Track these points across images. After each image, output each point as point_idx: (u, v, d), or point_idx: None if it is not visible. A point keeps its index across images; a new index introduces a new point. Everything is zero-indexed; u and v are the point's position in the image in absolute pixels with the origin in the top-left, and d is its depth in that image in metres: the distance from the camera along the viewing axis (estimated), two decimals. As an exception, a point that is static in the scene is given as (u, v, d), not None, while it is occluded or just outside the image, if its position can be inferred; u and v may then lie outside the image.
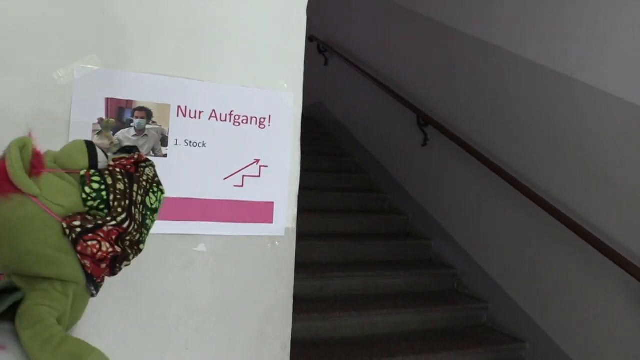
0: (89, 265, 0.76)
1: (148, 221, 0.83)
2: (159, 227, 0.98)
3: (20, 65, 1.04)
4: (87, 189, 0.76)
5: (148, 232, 0.84)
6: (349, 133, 5.28)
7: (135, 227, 0.79)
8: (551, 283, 3.11)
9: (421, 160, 4.28)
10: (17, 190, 0.72)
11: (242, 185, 1.24)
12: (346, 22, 5.60)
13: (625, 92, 2.78)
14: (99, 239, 0.75)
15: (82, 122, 1.09)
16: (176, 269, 1.19)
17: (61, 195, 0.75)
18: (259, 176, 1.26)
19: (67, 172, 0.77)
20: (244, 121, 1.24)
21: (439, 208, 4.08)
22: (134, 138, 1.13)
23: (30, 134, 0.76)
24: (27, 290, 0.74)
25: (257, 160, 1.26)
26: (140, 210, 0.81)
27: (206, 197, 1.21)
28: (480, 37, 3.74)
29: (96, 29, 1.10)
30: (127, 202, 0.78)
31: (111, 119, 1.11)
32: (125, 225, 0.77)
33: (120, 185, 0.78)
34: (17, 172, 0.71)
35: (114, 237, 0.76)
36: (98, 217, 0.77)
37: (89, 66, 1.09)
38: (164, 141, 1.16)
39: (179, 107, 1.17)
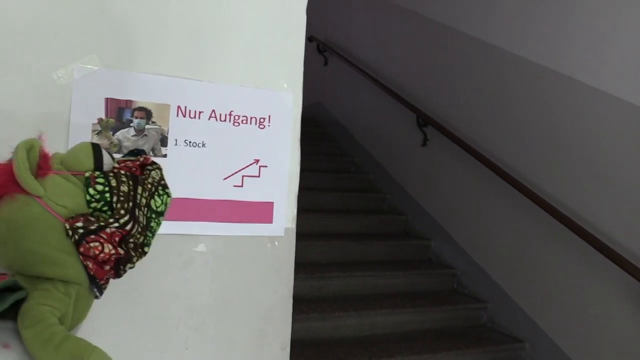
0: (91, 267, 0.76)
1: (153, 224, 0.83)
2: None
3: (20, 65, 1.04)
4: (91, 191, 0.77)
5: (153, 235, 0.84)
6: (348, 133, 5.28)
7: (139, 229, 0.79)
8: (551, 283, 3.11)
9: (421, 160, 4.28)
10: (23, 190, 0.73)
11: (241, 186, 1.24)
12: (346, 23, 5.60)
13: (625, 92, 2.78)
14: (102, 240, 0.75)
15: (82, 122, 1.09)
16: (176, 269, 1.19)
17: (65, 196, 0.75)
18: (258, 176, 1.26)
19: (72, 174, 0.78)
20: (244, 121, 1.24)
21: (438, 208, 4.08)
22: (133, 138, 1.13)
23: (40, 136, 0.77)
24: (29, 290, 0.74)
25: (257, 161, 1.26)
26: (145, 212, 0.81)
27: (206, 197, 1.21)
28: (480, 38, 3.74)
29: (96, 29, 1.10)
30: (131, 204, 0.78)
31: (111, 119, 1.11)
32: (128, 228, 0.77)
33: (124, 188, 0.78)
34: (23, 174, 0.72)
35: (117, 239, 0.76)
36: (101, 218, 0.77)
37: (89, 66, 1.09)
38: (163, 141, 1.16)
39: (178, 107, 1.17)
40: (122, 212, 0.77)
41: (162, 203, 0.85)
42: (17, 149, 0.73)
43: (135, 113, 1.13)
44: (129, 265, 0.80)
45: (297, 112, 1.32)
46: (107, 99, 1.11)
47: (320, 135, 5.43)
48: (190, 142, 1.19)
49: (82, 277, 0.77)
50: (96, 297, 0.82)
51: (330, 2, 5.67)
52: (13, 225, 0.73)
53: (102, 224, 0.76)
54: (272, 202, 1.28)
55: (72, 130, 1.08)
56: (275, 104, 1.28)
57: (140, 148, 1.00)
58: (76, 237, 0.74)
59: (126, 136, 1.13)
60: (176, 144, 1.18)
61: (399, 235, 4.28)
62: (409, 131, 4.31)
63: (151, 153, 1.15)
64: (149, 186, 0.83)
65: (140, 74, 1.14)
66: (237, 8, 1.24)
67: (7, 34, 1.03)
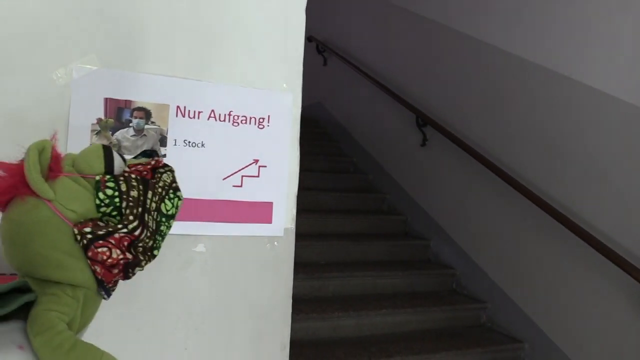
0: (99, 271, 0.76)
1: (163, 227, 0.83)
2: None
3: (20, 65, 1.04)
4: (101, 195, 0.76)
5: (163, 238, 0.84)
6: (347, 133, 5.28)
7: (148, 234, 0.79)
8: (550, 283, 3.11)
9: (420, 160, 4.28)
10: (33, 193, 0.73)
11: (241, 186, 1.24)
12: (345, 23, 5.60)
13: (622, 92, 2.78)
14: (110, 245, 0.75)
15: (81, 122, 1.08)
16: (175, 269, 1.19)
17: (75, 200, 0.75)
18: (258, 176, 1.26)
19: (83, 177, 0.77)
20: (243, 121, 1.24)
21: (437, 208, 4.08)
22: (132, 138, 1.13)
23: (53, 137, 0.77)
24: (38, 294, 0.74)
25: (256, 161, 1.26)
26: (154, 217, 0.81)
27: (205, 198, 1.21)
28: (479, 38, 3.74)
29: (95, 29, 1.10)
30: (140, 209, 0.78)
31: (110, 119, 1.11)
32: (136, 233, 0.77)
33: (134, 193, 0.78)
34: (34, 176, 0.72)
35: (125, 243, 0.76)
36: (110, 223, 0.77)
37: (88, 66, 1.09)
38: (162, 141, 1.16)
39: (177, 107, 1.17)
40: (131, 218, 0.77)
41: (173, 206, 0.84)
42: (28, 150, 0.73)
43: (135, 113, 1.13)
44: (137, 268, 0.80)
45: (296, 112, 1.32)
46: (106, 99, 1.11)
47: (319, 136, 5.43)
48: (189, 142, 1.19)
49: (90, 281, 0.77)
50: (104, 298, 0.82)
51: (330, 2, 5.67)
52: (22, 228, 0.73)
53: (111, 229, 0.76)
54: (272, 202, 1.28)
55: (72, 130, 1.08)
56: (275, 104, 1.28)
57: (151, 149, 0.99)
58: (84, 241, 0.74)
59: (125, 136, 1.13)
60: (175, 144, 1.18)
61: (398, 236, 4.28)
62: (408, 131, 4.32)
63: (150, 153, 1.15)
64: (160, 190, 0.82)
65: (139, 74, 1.14)
66: (237, 8, 1.24)
67: (6, 34, 1.03)
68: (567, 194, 3.04)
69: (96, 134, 1.10)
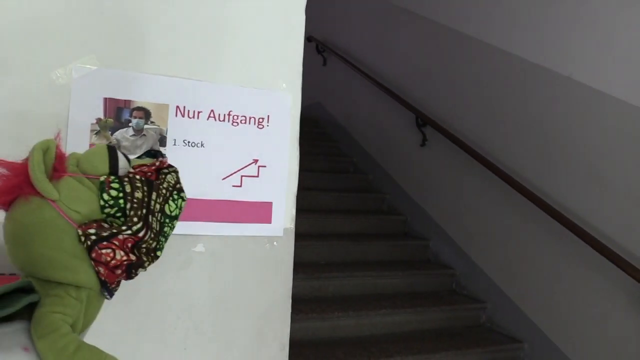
0: (103, 272, 0.76)
1: (166, 228, 0.83)
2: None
3: (19, 65, 1.04)
4: (105, 196, 0.76)
5: (166, 239, 0.83)
6: (347, 133, 5.28)
7: (152, 235, 0.79)
8: (550, 283, 3.11)
9: (420, 160, 4.28)
10: (37, 193, 0.72)
11: (240, 186, 1.24)
12: (345, 23, 5.60)
13: (624, 93, 2.78)
14: (114, 247, 0.75)
15: (81, 121, 1.08)
16: (174, 269, 1.19)
17: (79, 201, 0.75)
18: (257, 176, 1.26)
19: (87, 177, 0.77)
20: (243, 121, 1.24)
21: (437, 208, 4.08)
22: (132, 138, 1.13)
23: (57, 136, 0.76)
24: (42, 294, 0.74)
25: (256, 161, 1.26)
26: (158, 218, 0.81)
27: (205, 197, 1.21)
28: (479, 38, 3.74)
29: (95, 28, 1.10)
30: (144, 211, 0.78)
31: (109, 119, 1.11)
32: (140, 235, 0.77)
33: (138, 194, 0.78)
34: (38, 176, 0.71)
35: (129, 245, 0.76)
36: (114, 224, 0.77)
37: (88, 66, 1.09)
38: (162, 141, 1.16)
39: (177, 107, 1.17)
40: (135, 219, 0.77)
41: (177, 207, 0.84)
42: (33, 150, 0.72)
43: (134, 113, 1.13)
44: (140, 269, 0.80)
45: (296, 112, 1.32)
46: (105, 99, 1.11)
47: (319, 136, 5.43)
48: (189, 142, 1.19)
49: (94, 281, 0.77)
50: (107, 298, 0.82)
51: (330, 2, 5.67)
52: (26, 229, 0.73)
53: (115, 230, 0.75)
54: (271, 202, 1.28)
55: (71, 130, 1.08)
56: (274, 104, 1.28)
57: (156, 149, 0.99)
58: (88, 243, 0.74)
59: (125, 136, 1.13)
60: (175, 144, 1.18)
61: (398, 236, 4.28)
62: (408, 131, 4.32)
63: (150, 153, 1.15)
64: (164, 191, 0.82)
65: (139, 73, 1.14)
66: (236, 8, 1.24)
67: (6, 34, 1.03)
68: (567, 195, 3.04)
69: (96, 133, 1.10)
